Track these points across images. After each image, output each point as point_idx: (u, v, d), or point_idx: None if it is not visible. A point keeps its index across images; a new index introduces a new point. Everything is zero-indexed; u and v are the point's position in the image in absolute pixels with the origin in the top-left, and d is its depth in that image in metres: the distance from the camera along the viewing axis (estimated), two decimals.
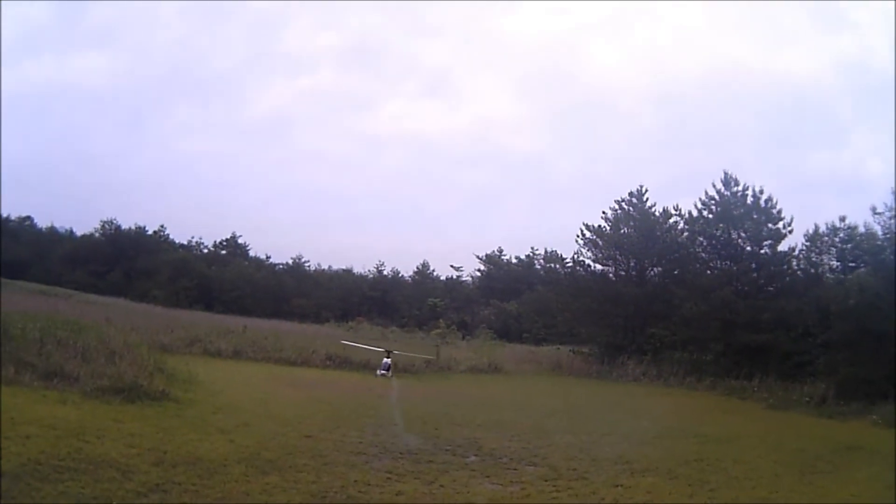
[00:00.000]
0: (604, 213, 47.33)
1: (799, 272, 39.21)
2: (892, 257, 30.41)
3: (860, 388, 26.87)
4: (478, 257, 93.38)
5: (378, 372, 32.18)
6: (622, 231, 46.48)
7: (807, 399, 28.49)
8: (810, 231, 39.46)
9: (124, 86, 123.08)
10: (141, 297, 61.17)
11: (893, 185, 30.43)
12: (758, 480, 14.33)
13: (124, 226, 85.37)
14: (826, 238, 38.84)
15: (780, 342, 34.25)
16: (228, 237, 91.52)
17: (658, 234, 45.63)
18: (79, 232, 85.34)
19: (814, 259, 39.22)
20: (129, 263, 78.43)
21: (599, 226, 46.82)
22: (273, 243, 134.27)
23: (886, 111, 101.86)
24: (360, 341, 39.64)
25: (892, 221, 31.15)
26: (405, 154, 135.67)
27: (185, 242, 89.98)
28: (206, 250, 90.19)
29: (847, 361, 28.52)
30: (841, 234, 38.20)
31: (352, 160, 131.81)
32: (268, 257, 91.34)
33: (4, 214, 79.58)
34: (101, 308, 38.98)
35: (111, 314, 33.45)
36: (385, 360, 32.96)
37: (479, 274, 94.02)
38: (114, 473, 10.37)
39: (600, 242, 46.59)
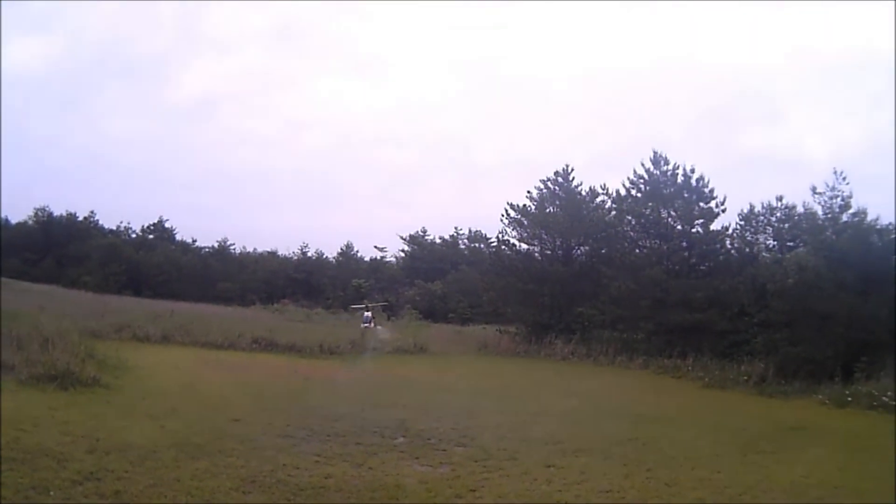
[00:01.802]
0: (528, 192, 46.88)
1: (733, 251, 38.87)
2: (833, 237, 29.92)
3: (802, 368, 26.57)
4: (402, 238, 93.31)
5: (362, 325, 41.51)
6: (548, 210, 45.77)
7: (745, 378, 27.79)
8: (745, 210, 39.38)
9: (58, 71, 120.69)
10: (73, 284, 60.69)
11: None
12: (697, 461, 13.77)
13: (56, 213, 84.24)
14: (762, 217, 38.80)
15: (715, 321, 33.78)
16: (156, 222, 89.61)
17: (585, 213, 44.78)
18: (14, 220, 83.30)
19: (749, 238, 38.94)
20: (60, 250, 76.81)
21: (524, 205, 46.13)
22: (199, 227, 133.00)
23: (826, 90, 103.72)
24: (288, 323, 43.36)
25: (833, 201, 30.89)
26: (330, 134, 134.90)
27: (115, 228, 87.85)
28: (134, 235, 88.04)
29: (787, 340, 28.21)
30: (778, 214, 38.24)
31: (277, 141, 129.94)
32: (194, 241, 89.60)
33: None
34: (35, 296, 37.89)
35: (44, 302, 33.23)
36: (366, 314, 43.92)
37: (403, 254, 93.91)
38: (50, 462, 10.30)
39: (525, 222, 45.77)
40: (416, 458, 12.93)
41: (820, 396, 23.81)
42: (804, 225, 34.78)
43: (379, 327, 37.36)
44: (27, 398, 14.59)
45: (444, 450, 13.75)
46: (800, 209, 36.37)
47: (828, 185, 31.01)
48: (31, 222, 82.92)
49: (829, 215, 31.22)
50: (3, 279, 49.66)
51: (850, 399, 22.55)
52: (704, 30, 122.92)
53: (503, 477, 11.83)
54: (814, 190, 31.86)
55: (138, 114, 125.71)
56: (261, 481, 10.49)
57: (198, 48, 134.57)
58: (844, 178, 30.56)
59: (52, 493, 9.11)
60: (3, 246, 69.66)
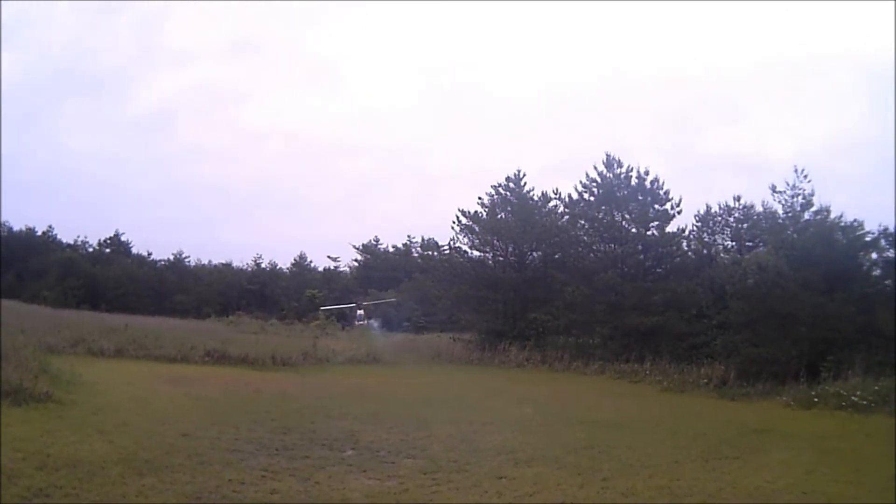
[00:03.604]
0: (480, 198, 46.36)
1: (690, 253, 38.92)
2: (794, 235, 29.67)
3: (765, 369, 26.09)
4: (354, 247, 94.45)
5: (356, 322, 45.15)
6: (499, 216, 45.50)
7: (705, 381, 27.44)
8: (702, 212, 38.83)
9: (19, 86, 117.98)
10: (32, 299, 59.13)
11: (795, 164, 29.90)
12: (655, 468, 13.47)
13: (15, 227, 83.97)
14: (719, 218, 38.97)
15: (673, 324, 33.49)
16: (112, 235, 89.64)
17: (537, 218, 44.50)
18: None
19: (706, 239, 38.99)
20: (20, 265, 76.38)
21: (476, 212, 45.74)
22: (155, 240, 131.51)
23: (787, 91, 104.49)
24: (241, 335, 43.28)
25: (795, 200, 30.63)
26: (286, 145, 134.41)
27: (72, 242, 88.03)
28: (91, 249, 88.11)
29: (748, 342, 27.83)
30: (736, 214, 38.54)
31: (232, 153, 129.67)
32: (149, 254, 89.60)
33: None
34: None
35: (2, 317, 31.82)
36: (359, 311, 49.50)
37: (356, 264, 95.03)
38: (1, 479, 10.13)
39: (477, 228, 45.36)
40: (364, 471, 12.74)
41: (784, 398, 23.44)
42: (764, 224, 34.85)
43: (370, 321, 38.47)
44: None
45: (393, 462, 13.56)
46: (759, 209, 36.45)
47: (788, 184, 30.69)
48: None
49: (790, 214, 30.92)
50: None
51: (816, 400, 22.21)
52: (664, 33, 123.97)
53: (452, 490, 11.62)
54: (773, 189, 31.51)
55: (100, 128, 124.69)
56: (206, 498, 10.40)
57: (157, 62, 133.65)
58: (806, 176, 30.23)
59: None
60: None
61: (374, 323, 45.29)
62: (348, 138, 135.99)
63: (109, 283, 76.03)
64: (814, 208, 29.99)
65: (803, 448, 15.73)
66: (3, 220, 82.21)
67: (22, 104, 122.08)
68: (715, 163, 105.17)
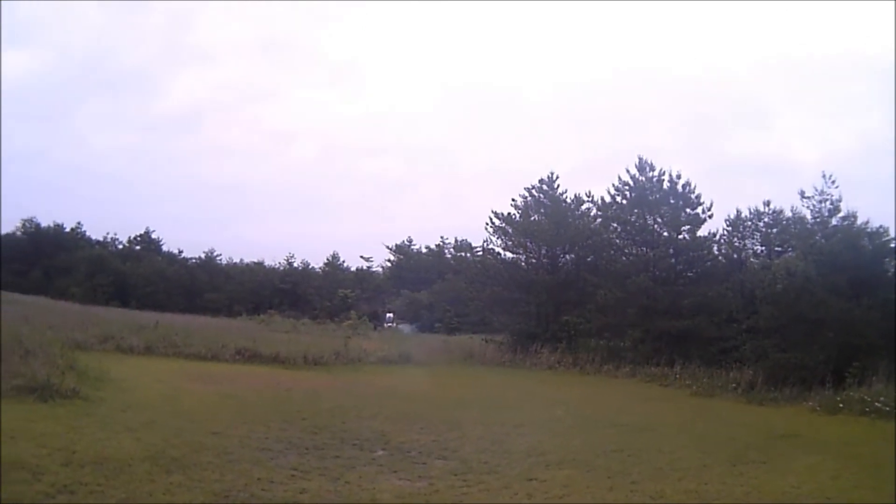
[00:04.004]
0: (513, 200, 46.52)
1: (721, 257, 38.86)
2: (822, 241, 29.58)
3: (792, 374, 26.16)
4: (387, 247, 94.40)
5: (385, 324, 46.26)
6: (533, 218, 45.51)
7: (734, 385, 27.55)
8: (732, 216, 39.21)
9: (44, 83, 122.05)
10: (60, 295, 60.35)
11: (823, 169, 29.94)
12: (684, 472, 13.49)
13: (43, 224, 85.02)
14: (749, 223, 38.71)
15: (703, 328, 33.64)
16: (142, 233, 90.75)
17: (570, 220, 44.55)
18: (1, 231, 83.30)
19: (736, 244, 38.84)
20: (48, 261, 77.93)
21: (509, 213, 45.81)
22: (186, 238, 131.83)
23: (814, 94, 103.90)
24: (273, 333, 43.19)
25: (822, 205, 30.56)
26: (316, 145, 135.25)
27: (101, 239, 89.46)
28: (120, 246, 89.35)
29: (776, 347, 27.82)
30: (766, 219, 38.22)
31: (263, 152, 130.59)
32: (180, 252, 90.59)
33: None
34: (21, 307, 37.19)
35: (30, 312, 32.79)
36: (388, 314, 49.01)
37: (389, 264, 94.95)
38: (25, 475, 10.16)
39: (510, 230, 45.49)
40: (395, 471, 12.66)
41: (810, 403, 23.53)
42: (793, 229, 34.75)
43: (401, 326, 39.27)
44: (5, 410, 14.14)
45: (424, 463, 13.48)
46: (788, 214, 36.34)
47: (816, 189, 30.65)
48: (18, 233, 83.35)
49: (818, 219, 30.90)
50: None
51: (841, 405, 22.22)
52: (691, 36, 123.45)
53: (483, 491, 11.55)
54: (802, 194, 31.59)
55: (125, 126, 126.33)
56: (234, 496, 10.30)
57: (182, 60, 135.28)
58: (833, 182, 30.16)
59: None
60: None
61: (405, 328, 45.84)
62: (377, 138, 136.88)
63: (139, 281, 77.50)
64: (841, 214, 30.02)
65: (828, 454, 15.72)
66: (28, 216, 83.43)
67: (48, 101, 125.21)
68: (742, 166, 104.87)
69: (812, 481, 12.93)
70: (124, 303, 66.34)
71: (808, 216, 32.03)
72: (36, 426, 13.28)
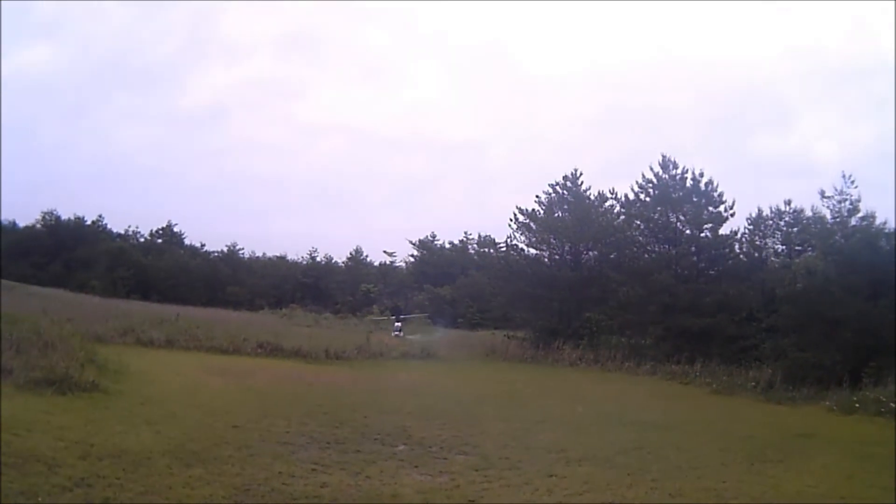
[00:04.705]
0: (537, 196, 46.00)
1: (742, 256, 38.91)
2: (842, 241, 29.73)
3: (810, 374, 26.33)
4: (411, 242, 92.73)
5: (392, 333, 45.42)
6: (556, 215, 45.35)
7: (753, 384, 27.55)
8: (754, 214, 39.01)
9: (67, 77, 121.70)
10: (80, 288, 60.05)
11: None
12: (703, 469, 13.66)
13: (64, 217, 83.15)
14: (770, 222, 38.82)
15: (723, 326, 33.71)
16: (164, 226, 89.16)
17: (593, 217, 44.30)
18: (21, 224, 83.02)
19: (757, 243, 38.89)
20: (68, 254, 76.26)
21: (533, 210, 45.52)
22: (208, 231, 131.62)
23: (835, 95, 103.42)
24: (295, 327, 43.71)
25: (842, 205, 30.74)
26: (340, 140, 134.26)
27: (122, 232, 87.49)
28: (142, 239, 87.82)
29: (795, 346, 28.06)
30: (786, 218, 38.38)
31: (286, 147, 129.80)
32: (202, 245, 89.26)
33: None
34: (41, 299, 37.31)
35: (49, 305, 32.19)
36: (396, 323, 49.54)
37: (412, 259, 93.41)
38: (41, 467, 10.13)
39: (534, 226, 45.23)
40: (416, 466, 12.78)
41: (828, 403, 23.62)
42: (813, 229, 34.81)
43: (410, 337, 38.39)
44: (24, 402, 14.29)
45: (445, 458, 13.59)
46: (808, 213, 36.38)
47: (836, 189, 30.97)
48: (38, 226, 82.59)
49: (838, 219, 31.14)
50: (10, 283, 49.57)
51: (857, 405, 22.31)
52: (714, 35, 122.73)
53: (503, 486, 11.64)
54: (822, 194, 31.84)
55: (148, 120, 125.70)
56: (254, 490, 10.36)
57: (208, 55, 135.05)
58: (853, 182, 30.47)
59: (40, 498, 8.99)
60: (12, 250, 69.61)
61: (398, 325, 46.62)
62: (401, 134, 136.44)
63: (161, 274, 76.22)
64: (860, 214, 30.26)
65: (844, 453, 15.82)
66: (49, 209, 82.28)
67: (66, 97, 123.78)
68: (764, 165, 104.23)
69: (828, 481, 13.00)
70: (145, 296, 65.40)
71: (828, 216, 32.26)
72: (54, 419, 13.36)
